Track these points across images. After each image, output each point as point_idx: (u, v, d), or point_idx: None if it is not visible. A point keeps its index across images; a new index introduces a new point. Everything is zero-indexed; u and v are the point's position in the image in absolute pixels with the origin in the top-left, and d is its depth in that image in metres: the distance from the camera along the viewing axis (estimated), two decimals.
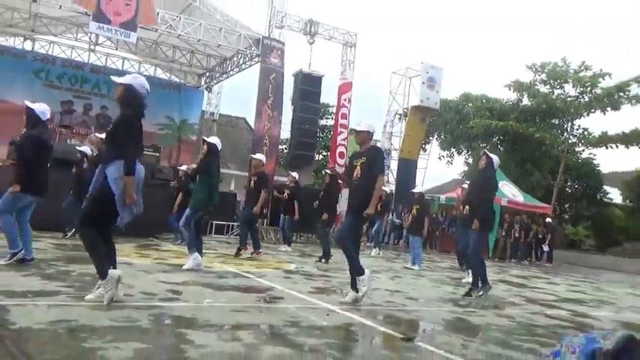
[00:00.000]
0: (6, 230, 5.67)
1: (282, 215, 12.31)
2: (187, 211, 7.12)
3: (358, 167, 5.24)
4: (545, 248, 18.39)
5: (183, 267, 6.77)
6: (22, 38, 18.96)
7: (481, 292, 6.76)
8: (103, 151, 7.99)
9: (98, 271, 4.10)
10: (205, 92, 21.52)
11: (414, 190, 11.56)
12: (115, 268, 4.20)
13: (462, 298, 6.67)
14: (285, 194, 12.09)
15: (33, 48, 19.12)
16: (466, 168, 31.53)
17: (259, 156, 9.86)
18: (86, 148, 9.42)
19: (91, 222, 4.10)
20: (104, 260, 4.11)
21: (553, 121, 26.93)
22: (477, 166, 7.12)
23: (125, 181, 4.02)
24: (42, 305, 3.82)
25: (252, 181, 9.29)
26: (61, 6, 14.20)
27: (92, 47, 19.70)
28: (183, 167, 11.71)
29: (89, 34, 18.44)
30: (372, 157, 5.27)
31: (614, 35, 69.97)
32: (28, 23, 17.96)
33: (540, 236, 18.53)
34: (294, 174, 12.59)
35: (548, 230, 18.44)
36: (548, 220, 18.88)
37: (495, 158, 7.06)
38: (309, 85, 17.58)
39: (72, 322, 3.42)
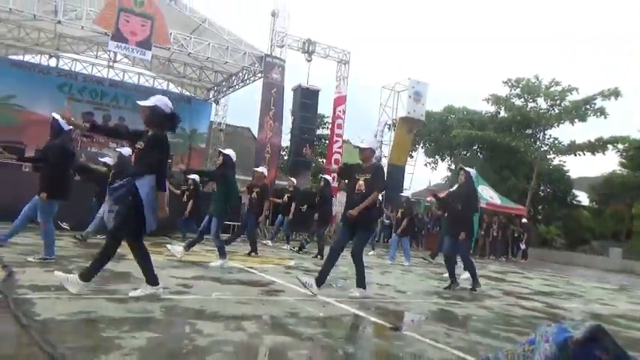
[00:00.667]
0: (48, 237, 5.61)
1: (280, 216, 12.39)
2: (213, 221, 6.98)
3: (362, 182, 5.17)
4: (522, 246, 18.40)
5: (210, 264, 6.74)
6: (47, 56, 18.92)
7: (476, 289, 6.81)
8: (121, 165, 8.00)
9: (147, 276, 4.20)
10: (213, 104, 21.50)
11: (402, 194, 11.61)
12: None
13: (445, 291, 6.66)
14: (285, 198, 12.10)
15: (57, 65, 19.06)
16: (449, 173, 31.60)
17: (261, 169, 9.77)
18: (109, 159, 9.38)
19: (123, 233, 4.04)
20: (101, 267, 4.06)
21: (527, 131, 27.02)
22: (458, 175, 7.14)
23: (158, 195, 4.02)
24: (64, 298, 3.80)
25: (256, 192, 9.20)
26: (83, 27, 14.18)
27: (111, 64, 19.66)
28: (193, 176, 11.70)
29: (108, 52, 18.41)
30: (376, 174, 5.27)
31: (589, 48, 70.36)
32: (53, 42, 17.93)
33: (516, 235, 18.55)
34: (293, 180, 12.64)
35: (524, 230, 18.45)
36: (524, 220, 18.91)
37: (472, 171, 7.13)
38: (307, 98, 17.63)
39: (91, 314, 3.40)
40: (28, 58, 18.56)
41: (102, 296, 4.04)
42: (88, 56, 19.28)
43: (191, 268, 6.47)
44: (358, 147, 5.37)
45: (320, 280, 5.17)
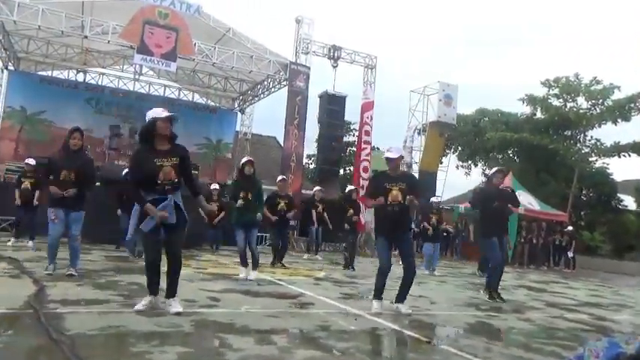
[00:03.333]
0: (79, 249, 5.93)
1: (313, 227, 12.05)
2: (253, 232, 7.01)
3: (396, 192, 5.06)
4: (570, 254, 17.81)
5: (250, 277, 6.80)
6: (74, 71, 19.56)
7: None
8: None
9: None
10: (239, 114, 21.80)
11: (434, 200, 11.37)
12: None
13: (483, 302, 6.51)
14: (320, 207, 11.96)
15: (85, 79, 19.68)
16: (484, 178, 31.07)
17: (281, 177, 9.93)
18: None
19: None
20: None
21: (566, 132, 26.36)
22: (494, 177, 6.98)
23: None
24: (94, 312, 3.88)
25: (284, 204, 9.24)
26: (109, 41, 14.63)
27: (137, 77, 20.19)
28: (215, 185, 11.88)
29: (134, 65, 18.90)
30: (416, 183, 5.32)
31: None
32: (80, 57, 18.55)
33: (557, 243, 18.03)
34: (318, 187, 12.78)
35: (570, 237, 17.90)
36: (570, 228, 18.34)
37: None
38: (333, 104, 17.70)
39: (121, 328, 3.46)
40: (56, 73, 19.24)
41: (131, 310, 4.10)
42: (114, 70, 19.85)
43: (220, 281, 6.52)
44: (388, 158, 5.22)
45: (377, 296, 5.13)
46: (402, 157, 5.38)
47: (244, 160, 7.16)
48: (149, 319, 3.81)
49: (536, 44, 78.59)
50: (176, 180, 4.13)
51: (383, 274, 5.07)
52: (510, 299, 6.82)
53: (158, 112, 4.16)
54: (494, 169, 7.06)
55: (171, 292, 4.18)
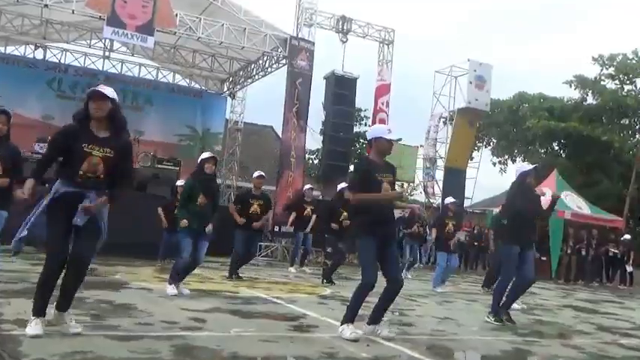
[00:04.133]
0: None
1: (301, 233, 12.05)
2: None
3: (388, 184, 4.92)
4: (629, 268, 17.71)
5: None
6: (32, 46, 19.66)
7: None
8: None
9: None
10: (229, 99, 21.85)
11: (451, 201, 11.04)
12: None
13: (521, 324, 6.51)
14: (309, 210, 11.95)
15: (45, 57, 19.82)
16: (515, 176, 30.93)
17: (258, 173, 9.85)
18: None
19: None
20: None
21: (623, 121, 26.25)
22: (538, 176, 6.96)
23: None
24: (55, 335, 3.90)
25: (258, 205, 9.25)
26: (73, 10, 14.65)
27: (107, 54, 20.29)
28: (181, 182, 11.77)
29: (103, 40, 18.99)
30: (395, 177, 5.17)
31: None
32: (39, 30, 18.62)
33: (611, 254, 17.96)
34: (309, 185, 12.84)
35: (628, 247, 17.80)
36: (627, 237, 18.24)
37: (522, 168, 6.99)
38: (342, 88, 17.67)
39: (88, 354, 3.49)
40: (10, 50, 19.35)
41: (100, 332, 4.13)
42: (79, 46, 19.94)
43: (205, 298, 6.55)
44: (388, 140, 5.05)
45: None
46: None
47: (206, 155, 7.11)
48: (121, 344, 3.84)
49: (588, 15, 78.17)
50: (101, 176, 4.02)
51: (368, 289, 4.80)
52: (554, 322, 6.82)
53: (94, 88, 4.11)
54: (531, 167, 6.99)
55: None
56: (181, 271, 6.83)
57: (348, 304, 4.89)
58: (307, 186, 12.96)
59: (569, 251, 17.12)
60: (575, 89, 26.75)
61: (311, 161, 27.32)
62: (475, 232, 19.36)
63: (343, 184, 10.60)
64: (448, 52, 69.51)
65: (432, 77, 22.35)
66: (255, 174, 9.64)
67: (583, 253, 17.29)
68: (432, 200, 21.87)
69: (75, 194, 3.95)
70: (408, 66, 51.49)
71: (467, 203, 21.74)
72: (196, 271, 9.98)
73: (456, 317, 6.77)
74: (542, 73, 58.37)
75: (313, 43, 16.99)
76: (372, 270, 4.79)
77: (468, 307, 8.10)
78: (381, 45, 18.68)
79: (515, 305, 7.20)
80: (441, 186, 21.76)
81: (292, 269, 11.95)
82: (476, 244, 18.94)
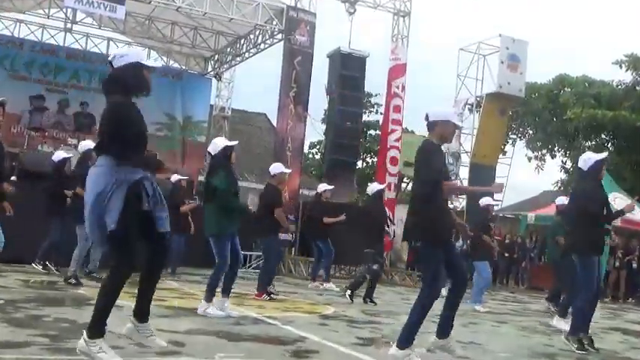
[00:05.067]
0: None
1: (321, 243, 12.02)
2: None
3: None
4: None
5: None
6: None
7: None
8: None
9: None
10: (214, 81, 21.85)
11: (490, 203, 11.20)
12: None
13: (560, 351, 6.52)
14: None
15: None
16: (564, 175, 30.91)
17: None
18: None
19: None
20: None
21: None
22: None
23: None
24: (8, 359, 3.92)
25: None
26: None
27: (69, 26, 20.26)
28: (174, 177, 11.84)
29: (65, 10, 18.98)
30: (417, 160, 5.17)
31: None
32: None
33: None
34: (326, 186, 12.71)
35: None
36: None
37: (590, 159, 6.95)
38: (349, 68, 17.65)
39: None
40: None
41: (60, 357, 4.14)
42: (37, 16, 19.93)
43: (185, 317, 6.56)
44: (455, 125, 5.25)
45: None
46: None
47: (231, 142, 7.16)
48: None
49: None
50: None
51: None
52: (599, 347, 6.82)
53: None
54: (603, 155, 6.95)
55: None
56: (227, 283, 6.95)
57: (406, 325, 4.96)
58: (324, 185, 12.62)
59: (617, 264, 17.12)
60: (626, 71, 26.70)
61: (311, 156, 27.36)
62: (507, 241, 19.35)
63: (376, 185, 10.57)
64: (475, 26, 69.40)
65: (457, 56, 22.38)
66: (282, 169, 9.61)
67: (634, 266, 17.31)
68: (454, 203, 21.86)
69: None
70: (427, 43, 51.42)
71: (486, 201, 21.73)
72: (175, 285, 10.09)
73: (482, 341, 6.78)
74: (587, 52, 58.28)
75: (315, 15, 17.00)
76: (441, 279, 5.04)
77: (496, 330, 8.11)
78: (396, 17, 18.65)
79: (563, 325, 7.30)
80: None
81: (331, 285, 11.77)
82: (507, 255, 18.92)
